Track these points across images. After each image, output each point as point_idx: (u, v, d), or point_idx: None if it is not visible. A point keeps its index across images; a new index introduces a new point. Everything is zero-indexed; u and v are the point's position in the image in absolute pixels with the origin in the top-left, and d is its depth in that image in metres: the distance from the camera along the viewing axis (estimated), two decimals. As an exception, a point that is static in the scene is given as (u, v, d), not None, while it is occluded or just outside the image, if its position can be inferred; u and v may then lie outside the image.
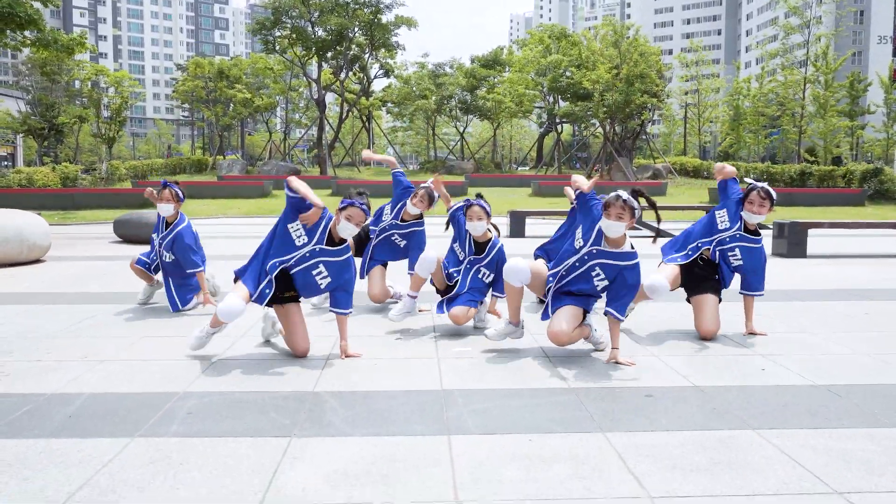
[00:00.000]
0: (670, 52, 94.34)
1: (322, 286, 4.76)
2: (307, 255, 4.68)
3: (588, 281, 4.68)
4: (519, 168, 61.51)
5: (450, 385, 4.15)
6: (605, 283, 4.66)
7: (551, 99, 49.51)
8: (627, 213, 4.45)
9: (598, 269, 4.63)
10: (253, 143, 69.57)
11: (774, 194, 5.43)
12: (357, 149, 53.94)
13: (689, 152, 59.17)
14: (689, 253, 5.66)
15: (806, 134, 45.76)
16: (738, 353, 4.96)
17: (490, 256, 5.66)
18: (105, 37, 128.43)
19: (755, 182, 5.41)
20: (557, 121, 49.35)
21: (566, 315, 4.67)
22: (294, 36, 37.95)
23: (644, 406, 3.79)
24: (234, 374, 4.37)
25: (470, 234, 5.68)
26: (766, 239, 13.52)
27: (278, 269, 4.68)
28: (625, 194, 4.49)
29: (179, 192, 6.47)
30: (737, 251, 5.53)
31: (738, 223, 5.49)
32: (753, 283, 5.59)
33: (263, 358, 4.77)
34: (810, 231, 11.52)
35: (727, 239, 5.53)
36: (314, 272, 4.71)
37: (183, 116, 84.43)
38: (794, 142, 50.11)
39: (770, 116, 53.20)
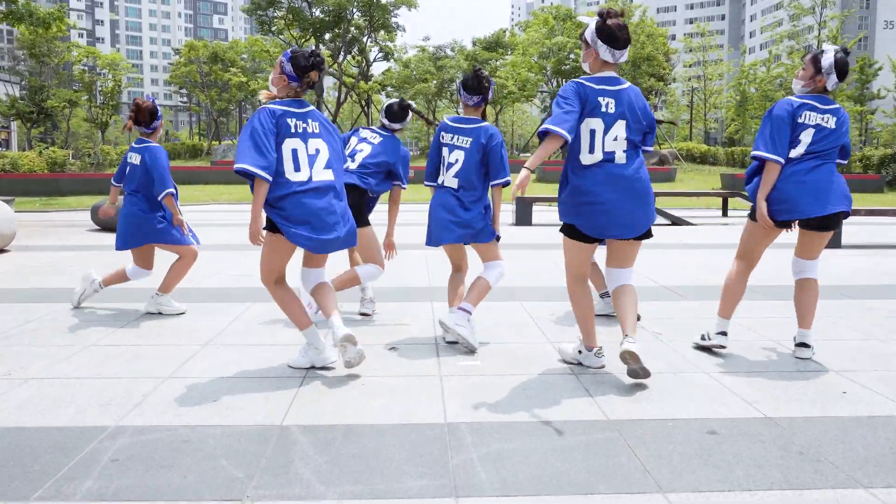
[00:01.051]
0: (674, 38, 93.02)
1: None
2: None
3: None
4: (521, 154, 60.49)
5: (456, 416, 3.27)
6: None
7: (555, 83, 48.42)
8: None
9: None
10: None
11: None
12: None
13: (695, 138, 58.08)
14: None
15: (815, 119, 44.70)
16: (803, 367, 4.07)
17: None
18: (102, 21, 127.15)
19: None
20: (561, 105, 48.11)
21: None
22: (290, 17, 36.87)
23: (709, 449, 2.92)
24: (185, 398, 3.49)
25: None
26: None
27: None
28: None
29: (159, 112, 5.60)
30: None
31: None
32: None
33: (226, 376, 3.89)
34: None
35: None
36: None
37: (181, 102, 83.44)
38: (803, 127, 49.09)
39: (776, 102, 52.15)
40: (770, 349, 4.48)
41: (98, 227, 12.26)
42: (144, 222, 5.29)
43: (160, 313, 5.41)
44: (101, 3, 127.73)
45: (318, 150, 3.79)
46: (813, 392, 3.64)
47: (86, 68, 42.86)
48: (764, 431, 3.10)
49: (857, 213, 10.37)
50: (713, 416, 3.28)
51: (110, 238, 10.87)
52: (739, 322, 5.20)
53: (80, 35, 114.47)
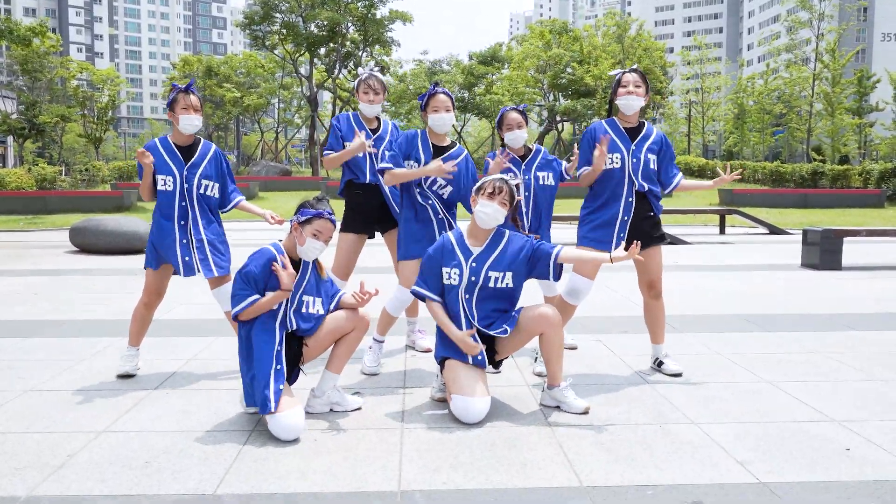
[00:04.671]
0: (671, 51, 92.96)
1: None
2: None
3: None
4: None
5: (411, 482, 2.91)
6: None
7: (552, 97, 48.22)
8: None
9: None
10: (250, 143, 68.23)
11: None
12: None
13: (693, 151, 57.86)
14: None
15: (814, 133, 44.50)
16: (800, 416, 3.71)
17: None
18: (101, 36, 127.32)
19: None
20: (558, 119, 48.03)
21: None
22: (284, 31, 36.65)
23: (694, 526, 2.56)
24: (115, 459, 3.13)
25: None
26: (794, 248, 12.35)
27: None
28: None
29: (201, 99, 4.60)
30: None
31: None
32: None
33: (167, 430, 3.53)
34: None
35: None
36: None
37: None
38: (801, 140, 48.90)
39: (775, 115, 52.02)
40: (763, 392, 4.12)
41: (76, 249, 11.91)
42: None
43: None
44: (100, 18, 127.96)
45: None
46: (812, 449, 3.28)
47: (80, 83, 42.60)
48: (757, 502, 2.74)
49: (856, 233, 10.04)
50: (700, 482, 2.92)
51: (87, 261, 10.53)
52: (730, 357, 4.85)
53: (79, 50, 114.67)
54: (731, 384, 4.28)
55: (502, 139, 4.98)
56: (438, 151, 4.50)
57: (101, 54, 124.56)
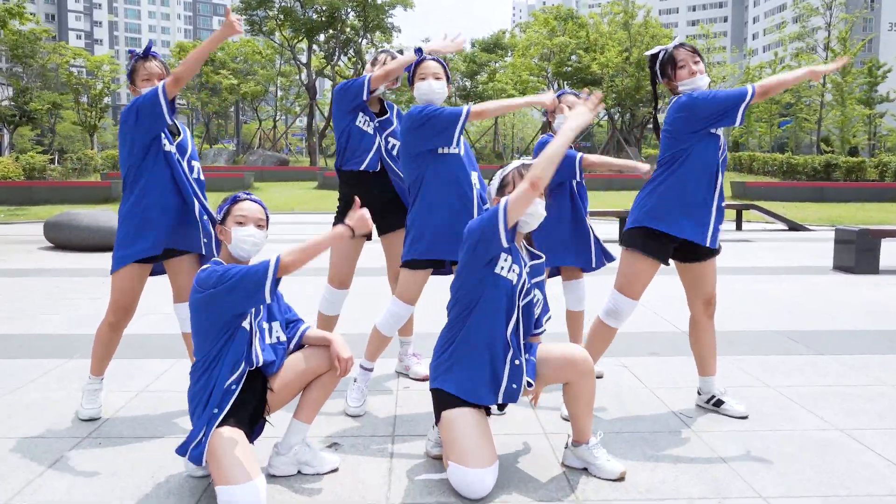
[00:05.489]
0: (670, 41, 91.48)
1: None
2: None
3: None
4: (522, 158, 59.24)
5: None
6: None
7: (556, 85, 47.28)
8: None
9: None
10: (250, 131, 67.31)
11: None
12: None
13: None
14: None
15: (824, 123, 43.59)
16: (892, 485, 2.92)
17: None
18: (100, 23, 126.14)
19: None
20: (562, 108, 46.95)
21: None
22: (282, 17, 35.72)
23: None
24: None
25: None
26: (818, 246, 11.53)
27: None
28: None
29: (166, 65, 3.79)
30: None
31: None
32: None
33: (82, 503, 2.73)
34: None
35: None
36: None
37: (180, 104, 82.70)
38: (809, 131, 47.98)
39: (782, 105, 51.10)
40: (837, 445, 3.32)
41: (51, 245, 11.12)
42: None
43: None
44: (100, 5, 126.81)
45: None
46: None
47: (75, 70, 41.70)
48: None
49: (892, 234, 9.19)
50: None
51: (59, 259, 9.74)
52: (782, 391, 4.04)
53: (79, 37, 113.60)
54: (794, 433, 3.48)
55: (550, 123, 4.25)
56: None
57: (101, 41, 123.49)
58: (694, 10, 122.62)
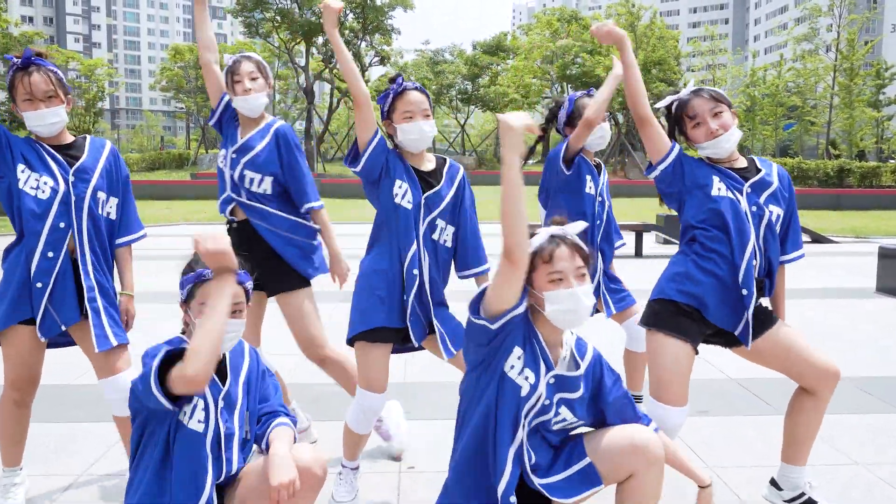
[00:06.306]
0: (677, 42, 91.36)
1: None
2: None
3: None
4: (525, 163, 58.45)
5: None
6: None
7: (559, 88, 46.56)
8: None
9: None
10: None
11: None
12: (351, 139, 51.05)
13: (702, 145, 56.26)
14: None
15: (833, 126, 42.87)
16: None
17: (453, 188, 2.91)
18: (98, 26, 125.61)
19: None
20: (565, 112, 46.27)
21: None
22: (279, 18, 35.00)
23: None
24: None
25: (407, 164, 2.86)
26: (851, 261, 10.66)
27: None
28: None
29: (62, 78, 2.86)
30: None
31: None
32: None
33: None
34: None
35: None
36: None
37: (177, 108, 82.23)
38: (816, 134, 47.27)
39: (787, 107, 50.43)
40: None
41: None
42: None
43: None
44: (98, 8, 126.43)
45: None
46: None
47: (71, 74, 40.99)
48: None
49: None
50: None
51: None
52: (878, 472, 3.22)
53: (77, 40, 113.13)
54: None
55: (565, 134, 3.55)
56: (423, 181, 2.87)
57: (99, 44, 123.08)
58: (695, 11, 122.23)
